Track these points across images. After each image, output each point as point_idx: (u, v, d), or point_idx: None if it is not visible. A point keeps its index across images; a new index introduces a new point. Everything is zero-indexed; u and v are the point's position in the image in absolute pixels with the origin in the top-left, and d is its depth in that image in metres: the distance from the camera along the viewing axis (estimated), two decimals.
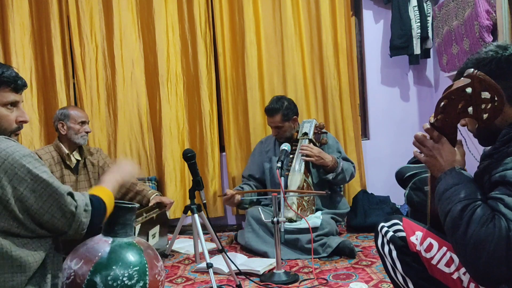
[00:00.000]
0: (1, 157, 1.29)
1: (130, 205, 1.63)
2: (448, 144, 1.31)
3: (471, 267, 1.15)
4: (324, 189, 3.13)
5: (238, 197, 3.06)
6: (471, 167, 1.42)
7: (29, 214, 1.32)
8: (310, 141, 3.12)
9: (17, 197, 1.29)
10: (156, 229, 2.80)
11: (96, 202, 1.45)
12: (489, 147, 1.33)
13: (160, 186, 3.61)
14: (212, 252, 2.88)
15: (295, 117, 3.19)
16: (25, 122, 1.51)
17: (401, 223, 1.49)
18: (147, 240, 2.65)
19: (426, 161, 1.37)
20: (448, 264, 1.34)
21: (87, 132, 2.86)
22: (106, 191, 1.53)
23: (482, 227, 1.12)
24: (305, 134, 3.15)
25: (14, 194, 1.29)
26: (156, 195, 2.95)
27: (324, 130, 3.21)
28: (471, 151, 1.48)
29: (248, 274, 2.47)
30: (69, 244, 1.56)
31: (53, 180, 1.36)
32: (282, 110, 3.11)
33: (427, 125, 1.33)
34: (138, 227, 2.51)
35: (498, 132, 1.28)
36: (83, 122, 2.83)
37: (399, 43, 3.58)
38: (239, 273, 2.41)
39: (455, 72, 3.18)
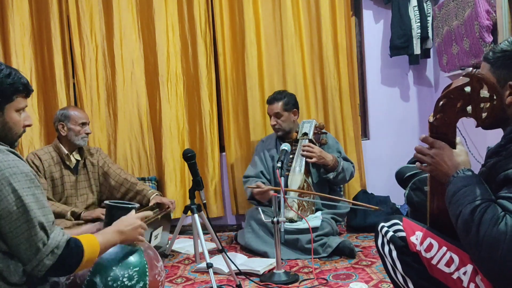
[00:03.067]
0: None
1: (130, 206, 1.63)
2: (448, 148, 1.31)
3: (486, 267, 1.15)
4: (324, 188, 3.14)
5: (271, 193, 2.98)
6: (471, 167, 1.42)
7: (0, 233, 1.28)
8: (310, 141, 3.12)
9: None
10: (159, 230, 2.80)
11: (72, 248, 1.34)
12: (494, 145, 1.32)
13: (160, 186, 3.61)
14: (212, 252, 2.88)
15: (295, 110, 3.23)
16: (30, 125, 1.52)
17: (401, 223, 1.49)
18: (150, 241, 2.64)
19: (432, 170, 1.35)
20: (448, 264, 1.34)
21: (87, 134, 2.85)
22: (93, 241, 1.41)
23: (494, 227, 1.12)
24: (305, 134, 3.15)
25: None
26: (156, 195, 2.95)
27: (324, 131, 3.21)
28: (471, 151, 1.48)
29: (248, 274, 2.47)
30: None
31: (36, 206, 1.30)
32: (283, 99, 3.18)
33: (423, 136, 1.34)
34: None
35: (506, 120, 1.28)
36: (83, 124, 2.83)
37: (399, 43, 3.58)
38: (239, 273, 2.41)
39: (455, 72, 3.20)
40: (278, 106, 3.17)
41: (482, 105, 1.18)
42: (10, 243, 1.28)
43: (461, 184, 1.25)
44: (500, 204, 1.16)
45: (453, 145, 1.32)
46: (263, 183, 3.10)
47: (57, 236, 1.32)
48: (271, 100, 3.22)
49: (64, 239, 1.33)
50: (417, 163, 1.39)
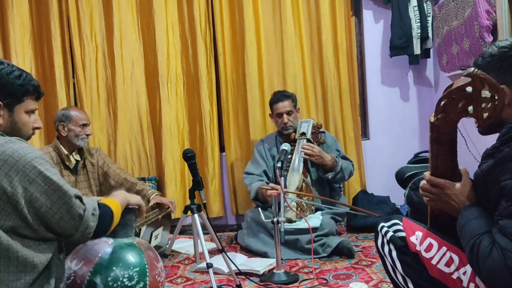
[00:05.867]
0: (13, 158, 1.30)
1: (130, 206, 1.63)
2: (454, 187, 1.34)
3: None
4: (324, 186, 3.14)
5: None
6: (471, 167, 1.42)
7: (38, 216, 1.32)
8: (308, 141, 3.13)
9: (27, 198, 1.30)
10: (160, 230, 2.80)
11: (103, 208, 1.46)
12: (489, 147, 1.32)
13: (160, 186, 3.61)
14: (212, 252, 2.88)
15: (298, 108, 3.31)
16: (39, 128, 1.55)
17: (401, 223, 1.50)
18: (150, 241, 2.64)
19: (441, 207, 1.39)
20: (448, 264, 1.35)
21: (87, 135, 2.85)
22: (114, 202, 1.54)
23: (486, 263, 1.18)
24: (303, 134, 3.15)
25: (24, 195, 1.30)
26: (156, 195, 2.94)
27: (322, 130, 3.22)
28: (471, 151, 1.48)
29: (248, 274, 2.47)
30: (70, 244, 1.56)
31: (63, 182, 1.37)
32: (291, 97, 3.24)
33: (428, 176, 1.37)
34: (143, 229, 2.51)
35: (501, 125, 1.28)
36: (84, 125, 2.82)
37: (399, 43, 3.58)
38: (239, 273, 2.41)
39: (455, 72, 3.20)
40: (290, 103, 3.20)
41: (483, 105, 1.18)
42: (51, 220, 1.34)
43: (464, 221, 1.29)
44: (493, 232, 1.21)
45: (453, 144, 1.32)
46: (267, 183, 3.10)
47: (89, 200, 1.43)
48: (281, 98, 3.19)
49: (95, 201, 1.44)
50: (424, 198, 1.42)
